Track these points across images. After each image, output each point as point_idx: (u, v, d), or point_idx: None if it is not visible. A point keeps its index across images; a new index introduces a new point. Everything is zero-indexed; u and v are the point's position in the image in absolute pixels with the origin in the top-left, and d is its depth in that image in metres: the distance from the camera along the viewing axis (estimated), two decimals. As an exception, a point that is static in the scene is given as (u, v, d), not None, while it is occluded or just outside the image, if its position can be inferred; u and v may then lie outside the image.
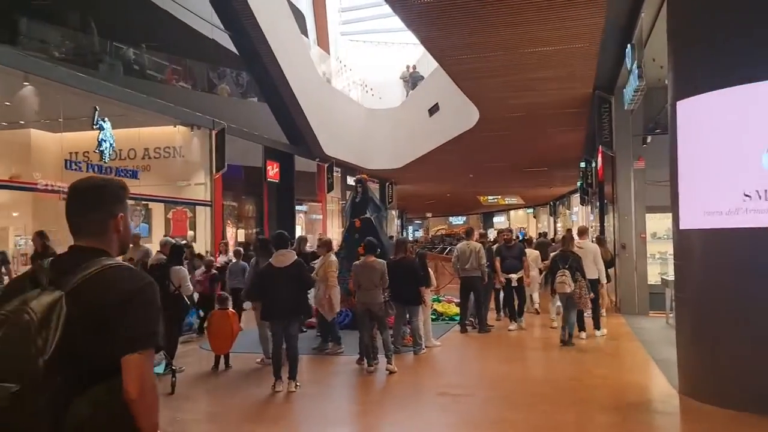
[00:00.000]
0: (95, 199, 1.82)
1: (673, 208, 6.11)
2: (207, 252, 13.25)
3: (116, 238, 1.84)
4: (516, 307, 10.30)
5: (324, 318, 8.30)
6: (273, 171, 17.78)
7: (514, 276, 10.19)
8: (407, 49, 26.53)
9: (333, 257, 8.11)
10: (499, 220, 55.58)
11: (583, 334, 9.12)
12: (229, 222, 16.02)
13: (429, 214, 55.95)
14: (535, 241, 17.04)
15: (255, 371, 7.47)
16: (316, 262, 8.58)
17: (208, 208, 14.28)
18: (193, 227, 14.43)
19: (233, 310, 7.93)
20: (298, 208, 21.29)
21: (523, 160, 22.18)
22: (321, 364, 8.01)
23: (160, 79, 15.67)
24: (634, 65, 8.55)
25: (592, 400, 6.06)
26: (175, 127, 13.50)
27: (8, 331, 1.56)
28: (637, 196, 11.61)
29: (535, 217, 49.91)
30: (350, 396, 6.64)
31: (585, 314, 9.30)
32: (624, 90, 10.08)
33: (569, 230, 11.12)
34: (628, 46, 8.84)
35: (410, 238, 50.03)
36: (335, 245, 10.39)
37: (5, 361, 1.54)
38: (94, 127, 10.74)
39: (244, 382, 7.07)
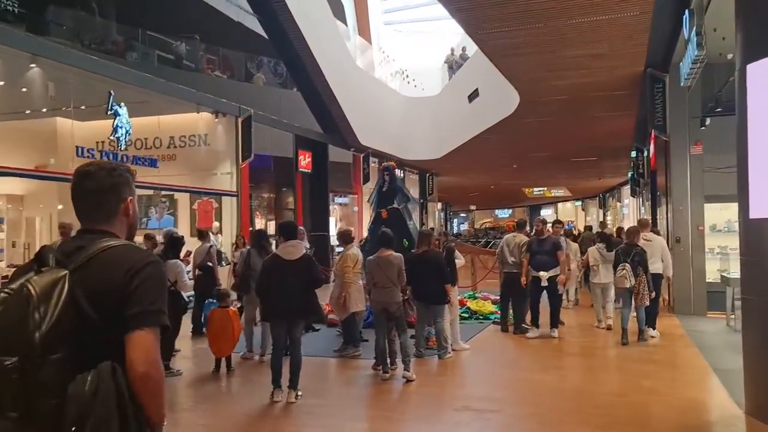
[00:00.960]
0: (103, 183, 1.78)
1: (741, 194, 5.13)
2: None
3: (125, 222, 1.83)
4: (550, 314, 8.88)
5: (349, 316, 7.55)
6: (305, 161, 17.20)
7: (544, 274, 8.53)
8: (447, 38, 25.65)
9: (353, 250, 7.32)
10: (547, 213, 54.13)
11: (653, 332, 8.56)
12: (258, 213, 15.50)
13: (473, 207, 54.92)
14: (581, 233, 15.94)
15: (256, 374, 6.78)
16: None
17: (234, 199, 13.75)
18: (219, 218, 13.91)
19: (234, 308, 7.29)
20: (338, 200, 20.75)
21: (569, 149, 20.96)
22: (332, 369, 7.29)
23: (194, 68, 15.26)
24: (693, 33, 7.48)
25: (638, 421, 5.14)
26: (198, 113, 12.98)
27: (7, 306, 1.55)
28: (693, 185, 10.48)
29: (583, 209, 48.33)
30: (356, 409, 5.82)
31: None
32: (680, 64, 8.99)
33: (643, 220, 9.87)
34: (686, 12, 7.77)
35: (454, 231, 49.25)
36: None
37: (2, 334, 1.52)
38: (109, 112, 10.27)
39: (243, 389, 6.41)
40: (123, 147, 10.50)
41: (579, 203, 48.54)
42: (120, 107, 10.46)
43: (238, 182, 13.76)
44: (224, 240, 13.57)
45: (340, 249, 8.55)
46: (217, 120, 13.53)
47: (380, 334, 6.49)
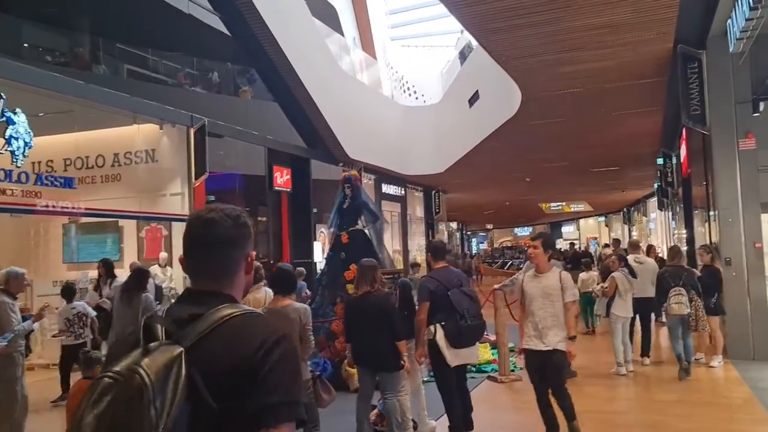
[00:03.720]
0: (229, 234, 1.50)
1: None
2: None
3: (245, 281, 1.56)
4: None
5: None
6: (283, 178, 15.08)
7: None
8: (448, 52, 24.23)
9: (259, 293, 5.03)
10: (569, 230, 51.69)
11: (647, 360, 8.08)
12: (222, 240, 13.31)
13: (490, 226, 52.59)
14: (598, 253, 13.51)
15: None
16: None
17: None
18: (169, 248, 11.77)
19: None
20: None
21: (586, 158, 18.56)
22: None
23: (171, 83, 13.33)
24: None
25: None
26: (135, 124, 10.92)
27: (117, 398, 1.22)
28: (746, 189, 8.12)
29: (607, 225, 45.61)
30: None
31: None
32: (727, 25, 6.69)
33: (633, 241, 8.73)
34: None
35: (473, 251, 46.80)
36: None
37: None
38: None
39: None
40: (20, 162, 8.41)
41: (602, 219, 45.87)
42: (15, 114, 8.39)
43: (191, 204, 11.63)
44: (176, 273, 11.45)
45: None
46: (162, 131, 11.47)
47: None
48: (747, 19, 5.83)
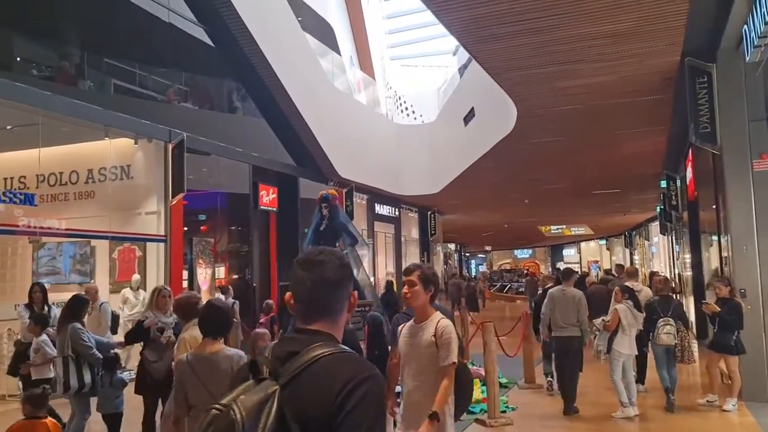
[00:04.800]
0: (336, 274, 1.58)
1: None
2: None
3: (345, 319, 1.65)
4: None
5: None
6: (269, 197, 14.44)
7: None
8: (448, 72, 23.91)
9: (194, 332, 4.17)
10: (570, 253, 50.99)
11: (641, 387, 7.87)
12: (201, 261, 12.61)
13: (489, 248, 51.90)
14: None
15: None
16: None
17: (162, 245, 10.92)
18: (143, 269, 11.06)
19: (53, 421, 4.47)
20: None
21: (586, 180, 17.90)
22: None
23: (159, 99, 12.68)
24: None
25: None
26: (107, 138, 10.27)
27: (216, 430, 1.34)
28: (761, 214, 7.42)
29: (608, 249, 44.91)
30: None
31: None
32: (743, 31, 6.04)
33: (630, 268, 8.33)
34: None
35: (472, 274, 45.91)
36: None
37: None
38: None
39: None
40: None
41: (603, 242, 45.16)
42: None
43: (167, 223, 10.96)
44: (148, 297, 10.72)
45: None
46: (137, 146, 10.83)
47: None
48: (767, 23, 5.18)
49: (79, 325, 5.32)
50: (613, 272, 13.06)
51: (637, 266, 25.86)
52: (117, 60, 11.69)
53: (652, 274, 10.15)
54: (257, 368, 1.43)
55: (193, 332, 3.91)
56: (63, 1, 10.35)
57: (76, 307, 5.44)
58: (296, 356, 1.44)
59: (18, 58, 10.28)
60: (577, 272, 9.06)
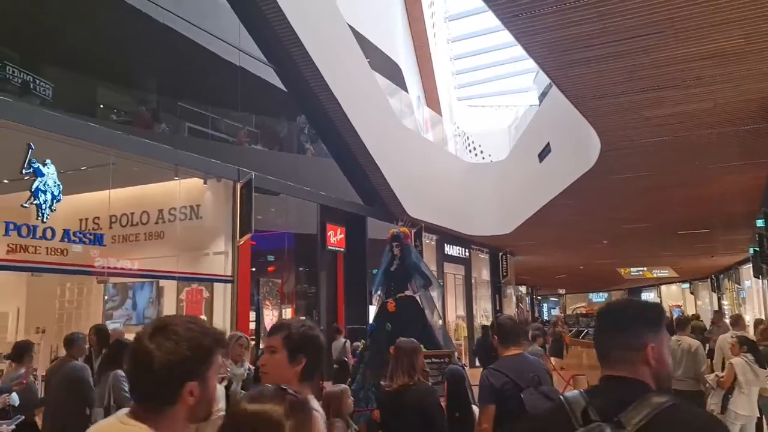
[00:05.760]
0: (622, 321, 1.65)
1: None
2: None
3: (648, 372, 1.59)
4: None
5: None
6: (336, 237, 14.15)
7: None
8: (516, 111, 23.53)
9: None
10: (648, 297, 48.51)
11: None
12: (268, 302, 12.36)
13: (562, 291, 50.02)
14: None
15: None
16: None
17: (230, 285, 10.72)
18: (210, 310, 10.86)
19: None
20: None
21: (671, 219, 16.75)
22: None
23: (231, 141, 12.82)
24: None
25: None
26: (177, 178, 10.24)
27: None
28: None
29: (692, 292, 42.30)
30: None
31: None
32: None
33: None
34: None
35: (545, 318, 44.18)
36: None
37: None
38: (24, 171, 7.59)
39: None
40: (46, 218, 7.73)
41: (687, 285, 42.65)
42: (44, 165, 7.79)
43: (234, 264, 10.77)
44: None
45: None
46: (206, 185, 10.77)
47: None
48: None
49: (121, 373, 4.74)
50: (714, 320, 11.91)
51: (727, 312, 24.09)
52: (191, 104, 11.83)
53: (758, 322, 9.04)
54: (586, 414, 1.47)
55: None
56: (142, 50, 10.53)
57: (119, 353, 4.97)
58: (634, 404, 1.46)
59: (101, 105, 10.56)
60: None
